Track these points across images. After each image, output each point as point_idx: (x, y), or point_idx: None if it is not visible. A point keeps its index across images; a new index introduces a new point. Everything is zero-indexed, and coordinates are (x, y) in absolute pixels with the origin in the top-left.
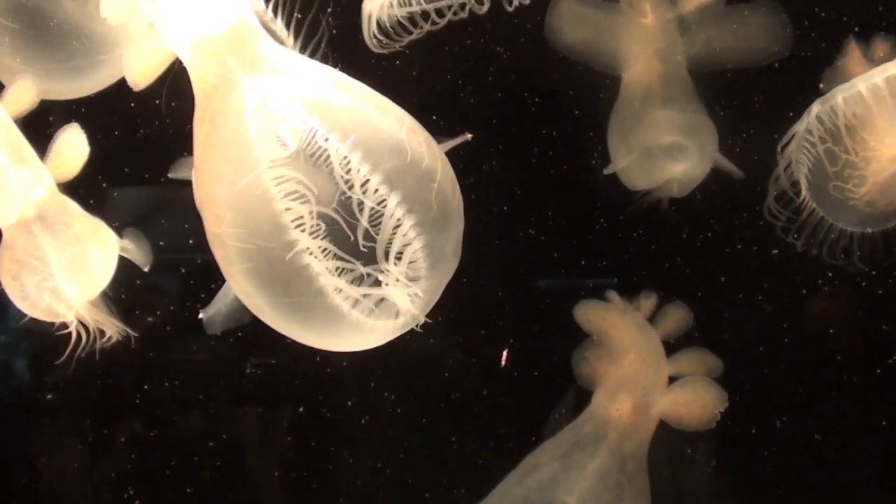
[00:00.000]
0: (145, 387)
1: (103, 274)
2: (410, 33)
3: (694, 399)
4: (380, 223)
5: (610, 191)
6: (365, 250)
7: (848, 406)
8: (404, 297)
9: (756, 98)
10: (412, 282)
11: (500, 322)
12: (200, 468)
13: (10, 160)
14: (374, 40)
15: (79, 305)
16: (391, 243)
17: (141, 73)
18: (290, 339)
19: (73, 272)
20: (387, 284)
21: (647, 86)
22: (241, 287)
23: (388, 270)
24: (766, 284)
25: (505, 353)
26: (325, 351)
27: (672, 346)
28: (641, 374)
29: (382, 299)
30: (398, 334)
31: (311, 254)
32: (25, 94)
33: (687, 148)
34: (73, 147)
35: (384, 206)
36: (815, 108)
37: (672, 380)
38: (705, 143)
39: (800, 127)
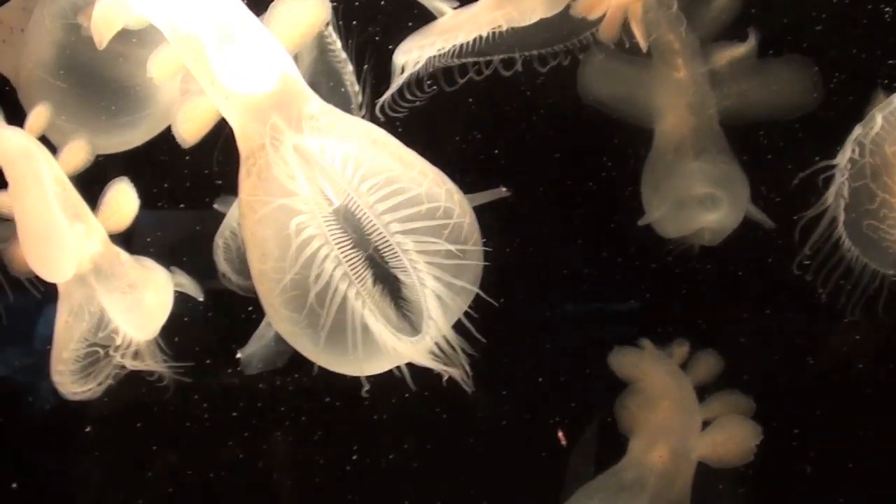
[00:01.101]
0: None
1: (160, 314)
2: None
3: (730, 437)
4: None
5: (643, 238)
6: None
7: (877, 445)
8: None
9: (787, 150)
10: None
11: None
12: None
13: (66, 217)
14: (390, 101)
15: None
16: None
17: (189, 131)
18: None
19: (130, 318)
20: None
21: (679, 138)
22: (282, 315)
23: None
24: (794, 326)
25: (561, 434)
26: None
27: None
28: (677, 420)
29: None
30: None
31: (347, 283)
32: (80, 152)
33: (719, 199)
34: (123, 200)
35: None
36: (856, 131)
37: (705, 423)
38: (737, 194)
39: (842, 157)
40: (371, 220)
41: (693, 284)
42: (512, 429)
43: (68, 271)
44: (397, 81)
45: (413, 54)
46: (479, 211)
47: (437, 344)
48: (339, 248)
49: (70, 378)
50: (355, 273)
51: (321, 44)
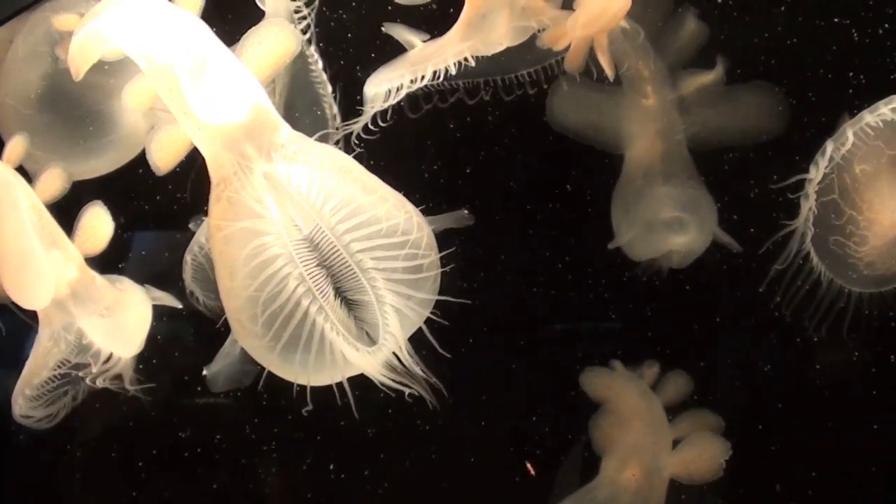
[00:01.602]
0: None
1: (140, 332)
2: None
3: (699, 454)
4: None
5: (612, 262)
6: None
7: (846, 461)
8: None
9: (754, 174)
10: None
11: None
12: None
13: (43, 244)
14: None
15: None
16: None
17: (163, 158)
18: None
19: (110, 339)
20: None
21: (648, 164)
22: (248, 330)
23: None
24: (762, 346)
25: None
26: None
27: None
28: (648, 440)
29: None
30: (379, 366)
31: (309, 299)
32: (56, 180)
33: (687, 222)
34: (98, 223)
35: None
36: (828, 146)
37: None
38: (705, 218)
39: (813, 171)
40: (332, 241)
41: (661, 306)
42: (493, 450)
43: (45, 298)
44: (367, 114)
45: (383, 87)
46: (451, 238)
47: (396, 357)
48: (304, 266)
49: (32, 403)
50: (318, 289)
51: (303, 64)
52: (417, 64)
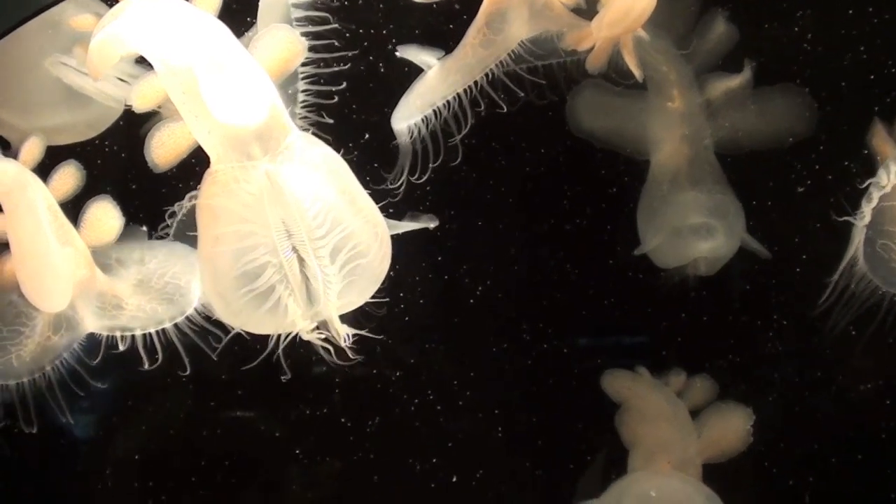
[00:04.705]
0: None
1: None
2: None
3: (724, 429)
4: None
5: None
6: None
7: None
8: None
9: (782, 178)
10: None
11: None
12: None
13: (58, 243)
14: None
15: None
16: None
17: (162, 156)
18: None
19: (151, 321)
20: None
21: (675, 169)
22: (224, 293)
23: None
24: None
25: None
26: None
27: None
28: (676, 439)
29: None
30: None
31: (283, 284)
32: (70, 179)
33: (715, 228)
34: (104, 216)
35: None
36: None
37: None
38: (733, 224)
39: (883, 176)
40: (304, 240)
41: (688, 314)
42: (517, 456)
43: (64, 301)
44: (405, 157)
45: (413, 120)
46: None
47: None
48: (283, 254)
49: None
50: (291, 274)
51: None
52: (442, 87)
